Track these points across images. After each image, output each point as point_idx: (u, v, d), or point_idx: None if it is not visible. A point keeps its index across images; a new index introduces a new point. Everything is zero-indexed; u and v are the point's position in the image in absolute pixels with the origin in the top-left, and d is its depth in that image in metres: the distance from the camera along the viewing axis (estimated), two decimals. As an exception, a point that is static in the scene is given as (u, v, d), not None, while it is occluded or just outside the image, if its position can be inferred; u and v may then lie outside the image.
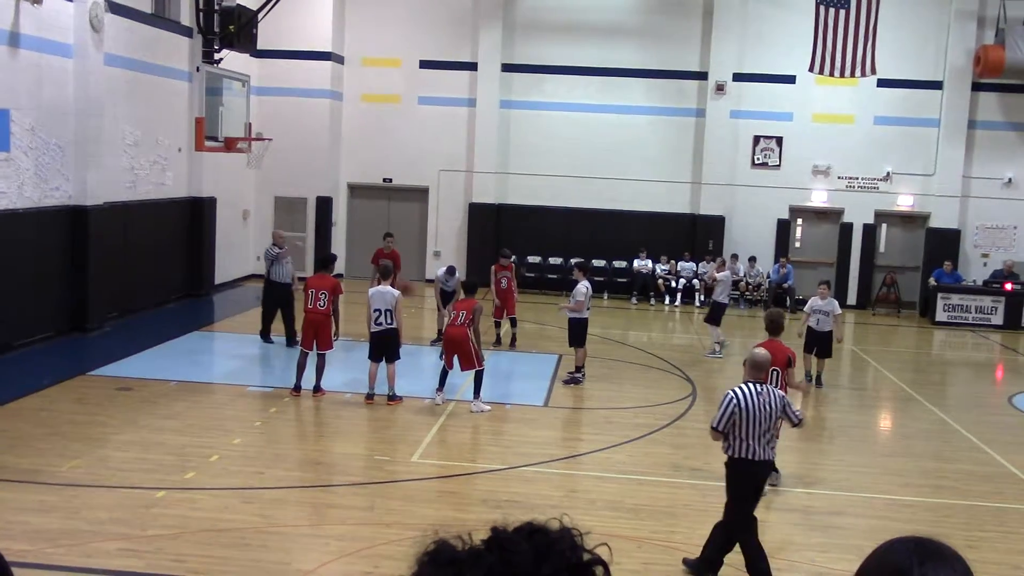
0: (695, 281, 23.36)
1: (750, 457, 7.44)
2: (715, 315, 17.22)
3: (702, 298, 22.50)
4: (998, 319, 22.01)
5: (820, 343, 14.90)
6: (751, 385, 7.53)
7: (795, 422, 7.72)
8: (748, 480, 7.56)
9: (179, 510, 8.52)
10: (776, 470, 10.85)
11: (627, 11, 24.22)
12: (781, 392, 7.76)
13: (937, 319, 22.17)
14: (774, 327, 10.43)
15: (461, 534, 1.43)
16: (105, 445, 10.43)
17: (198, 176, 20.51)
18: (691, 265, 23.61)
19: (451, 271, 16.74)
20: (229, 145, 19.91)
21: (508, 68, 24.37)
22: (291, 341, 15.59)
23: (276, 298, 16.04)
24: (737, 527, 7.53)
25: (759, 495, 7.73)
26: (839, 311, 15.08)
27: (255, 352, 16.05)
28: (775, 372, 10.47)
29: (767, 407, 7.42)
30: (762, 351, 8.02)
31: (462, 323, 12.39)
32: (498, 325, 17.18)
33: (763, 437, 7.45)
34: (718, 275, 17.61)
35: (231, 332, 17.78)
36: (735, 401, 7.41)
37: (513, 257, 17.73)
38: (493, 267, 17.06)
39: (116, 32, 16.98)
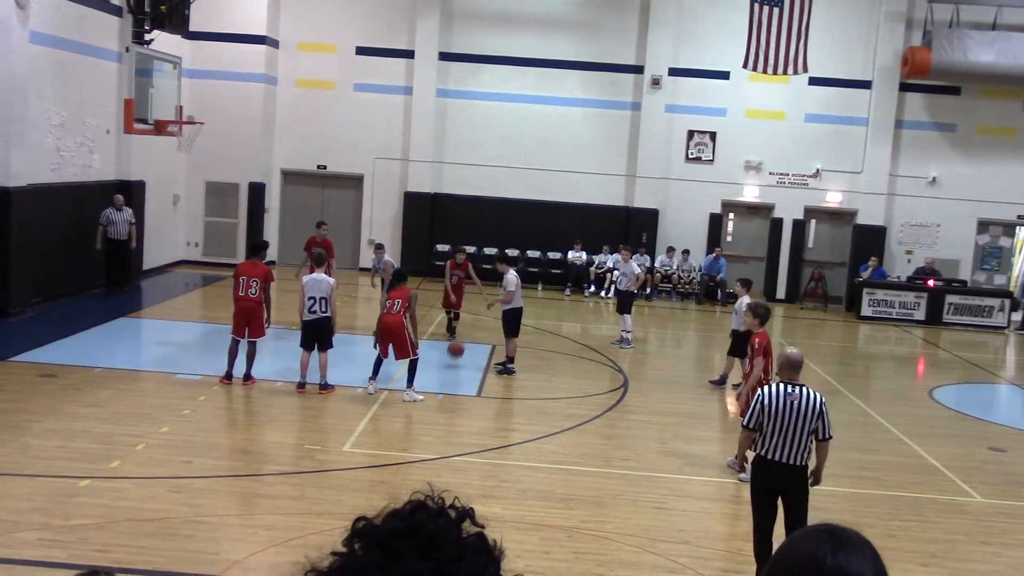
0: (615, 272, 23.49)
1: (768, 456, 7.16)
2: (624, 304, 17.34)
3: (611, 289, 22.51)
4: (920, 314, 22.59)
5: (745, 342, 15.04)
6: (781, 384, 7.27)
7: (824, 435, 7.20)
8: (759, 479, 7.26)
9: (104, 499, 8.35)
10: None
11: (564, 3, 24.29)
12: (820, 396, 7.24)
13: (862, 314, 22.68)
14: (767, 316, 11.00)
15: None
16: (27, 433, 10.17)
17: (127, 159, 20.01)
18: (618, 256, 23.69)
19: (379, 247, 17.22)
20: (159, 128, 19.52)
21: (445, 57, 24.28)
22: (111, 284, 18.84)
23: (113, 251, 18.75)
24: (754, 534, 7.25)
25: (771, 503, 7.21)
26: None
27: (184, 339, 15.79)
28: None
29: (797, 408, 7.10)
30: (796, 351, 7.54)
31: (398, 312, 12.34)
32: (448, 315, 17.12)
33: (790, 439, 7.09)
34: (622, 265, 17.66)
35: (159, 319, 17.46)
36: (760, 397, 7.23)
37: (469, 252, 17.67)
38: (448, 263, 16.91)
39: (42, 9, 16.48)
